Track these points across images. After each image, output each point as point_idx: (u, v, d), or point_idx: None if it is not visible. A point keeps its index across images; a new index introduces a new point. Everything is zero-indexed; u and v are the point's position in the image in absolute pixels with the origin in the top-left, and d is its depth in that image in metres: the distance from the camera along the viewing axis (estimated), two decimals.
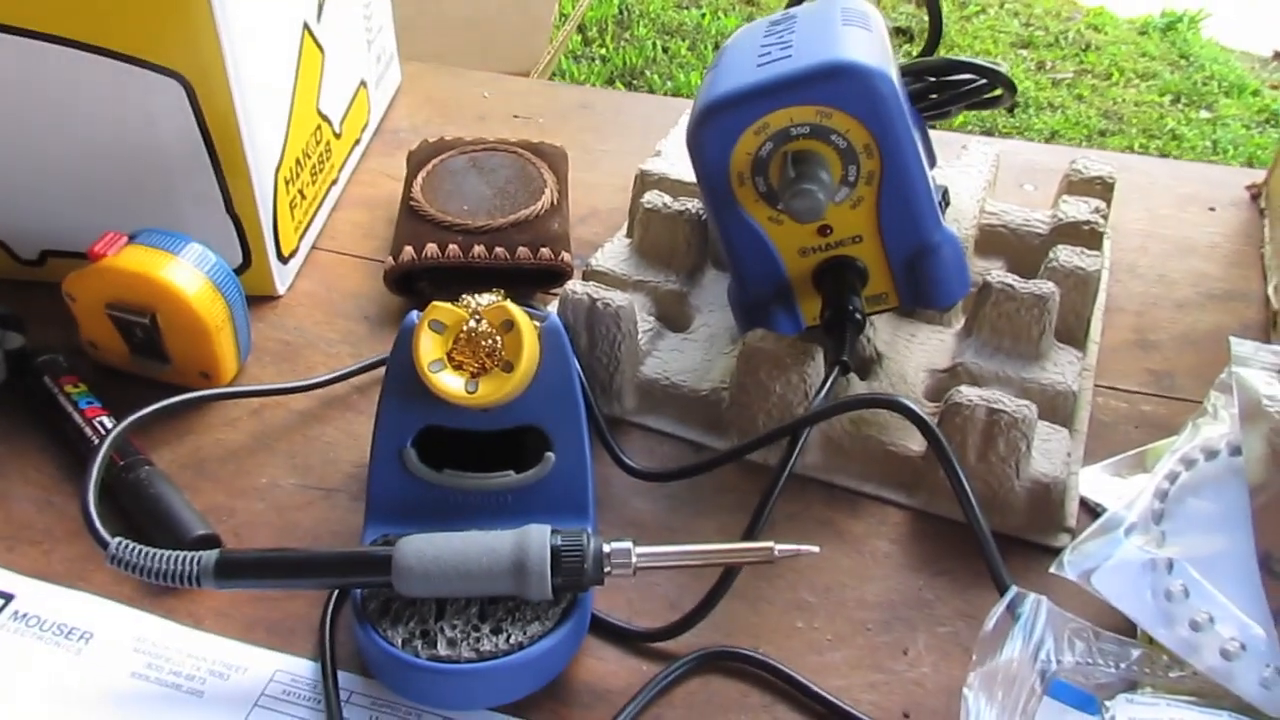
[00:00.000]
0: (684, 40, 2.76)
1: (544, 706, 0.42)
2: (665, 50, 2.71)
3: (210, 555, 0.41)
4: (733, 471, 0.52)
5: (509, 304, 0.44)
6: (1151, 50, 2.88)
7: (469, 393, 0.43)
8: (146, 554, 0.42)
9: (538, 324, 0.46)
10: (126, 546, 0.42)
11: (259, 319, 0.60)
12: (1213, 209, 0.73)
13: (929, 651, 0.45)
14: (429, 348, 0.44)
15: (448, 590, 0.41)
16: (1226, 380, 0.45)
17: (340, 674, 0.43)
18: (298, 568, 0.42)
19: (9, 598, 0.46)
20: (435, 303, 0.44)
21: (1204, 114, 2.60)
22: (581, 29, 2.73)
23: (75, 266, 0.53)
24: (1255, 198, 0.73)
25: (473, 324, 0.44)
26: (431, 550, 0.41)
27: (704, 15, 2.89)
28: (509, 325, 0.44)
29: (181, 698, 0.43)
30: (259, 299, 0.61)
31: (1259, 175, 0.74)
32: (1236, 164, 2.21)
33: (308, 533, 0.49)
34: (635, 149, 0.71)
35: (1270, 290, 0.64)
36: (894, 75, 0.47)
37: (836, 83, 0.46)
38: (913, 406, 0.47)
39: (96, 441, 0.50)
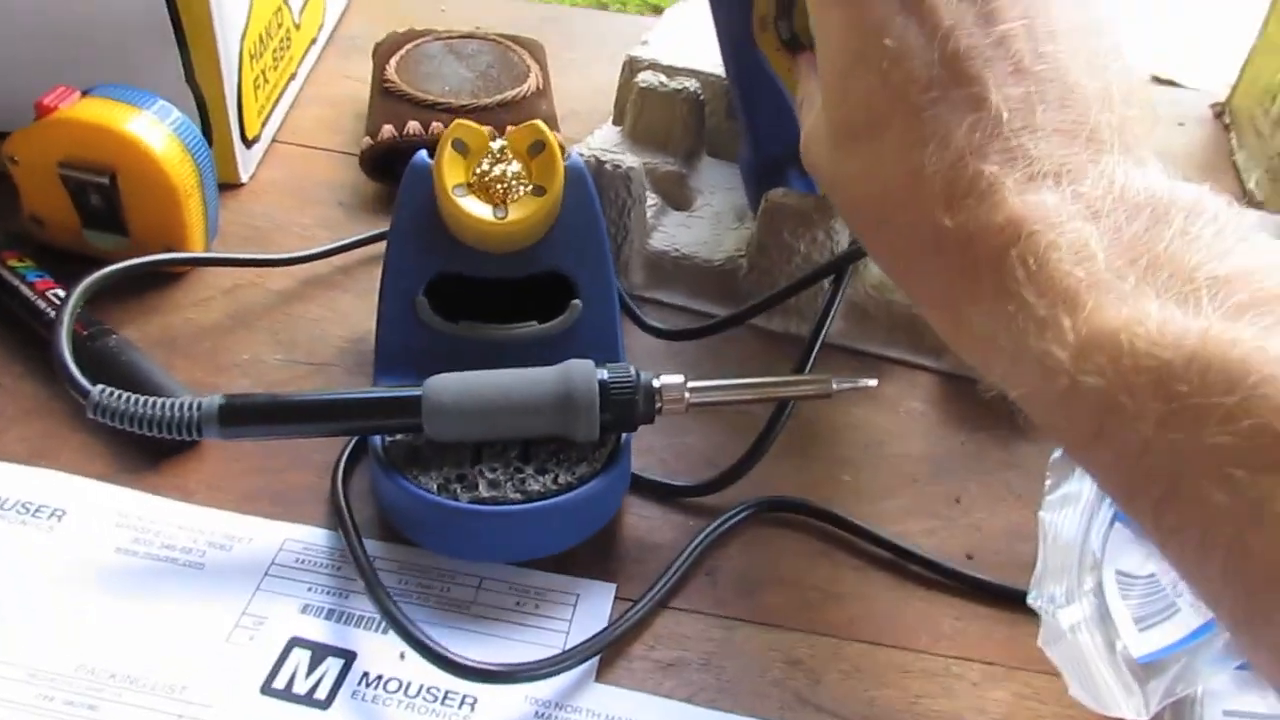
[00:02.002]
0: None
1: (589, 562, 0.39)
2: None
3: (213, 400, 0.37)
4: (757, 341, 0.49)
5: (539, 123, 0.40)
6: None
7: (498, 219, 0.39)
8: (137, 400, 0.37)
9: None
10: (111, 393, 0.37)
11: (221, 206, 0.54)
12: (1182, 124, 0.73)
13: (982, 498, 0.43)
14: (452, 170, 0.40)
15: (484, 431, 0.37)
16: None
17: None
18: (316, 412, 0.37)
19: None
20: (459, 120, 0.40)
21: None
22: None
23: None
24: (1219, 115, 0.74)
25: (497, 143, 0.40)
26: (466, 387, 0.37)
27: None
28: (539, 146, 0.40)
29: (179, 570, 0.38)
30: (220, 187, 0.56)
31: (1221, 96, 0.75)
32: None
33: None
34: (611, 57, 0.68)
35: (1252, 185, 0.64)
36: None
37: None
38: None
39: (53, 313, 0.44)
